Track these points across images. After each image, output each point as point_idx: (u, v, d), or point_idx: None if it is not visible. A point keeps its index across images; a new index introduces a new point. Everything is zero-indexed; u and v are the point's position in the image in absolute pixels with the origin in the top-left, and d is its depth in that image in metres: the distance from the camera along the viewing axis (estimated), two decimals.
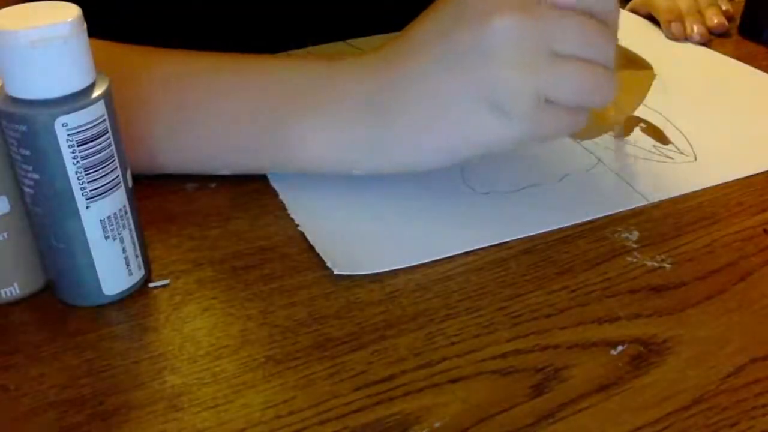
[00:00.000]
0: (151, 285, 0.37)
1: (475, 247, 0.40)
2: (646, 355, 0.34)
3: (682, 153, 0.49)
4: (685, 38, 0.66)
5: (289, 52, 0.59)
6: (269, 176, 0.45)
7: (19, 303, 0.36)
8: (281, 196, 0.44)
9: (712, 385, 0.32)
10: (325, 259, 0.39)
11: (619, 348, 0.34)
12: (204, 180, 0.45)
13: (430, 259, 0.39)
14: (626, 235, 0.41)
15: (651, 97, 0.49)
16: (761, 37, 0.66)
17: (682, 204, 0.44)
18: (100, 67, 0.34)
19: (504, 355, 0.34)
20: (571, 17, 0.37)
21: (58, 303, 0.36)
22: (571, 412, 0.31)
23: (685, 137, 0.50)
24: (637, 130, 0.51)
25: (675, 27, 0.67)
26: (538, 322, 0.35)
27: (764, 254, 0.40)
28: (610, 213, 0.43)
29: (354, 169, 0.42)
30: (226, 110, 0.42)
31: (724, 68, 0.62)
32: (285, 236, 0.41)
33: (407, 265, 0.39)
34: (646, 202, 0.44)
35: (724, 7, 0.70)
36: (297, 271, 0.38)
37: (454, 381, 0.32)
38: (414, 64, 0.39)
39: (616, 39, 0.39)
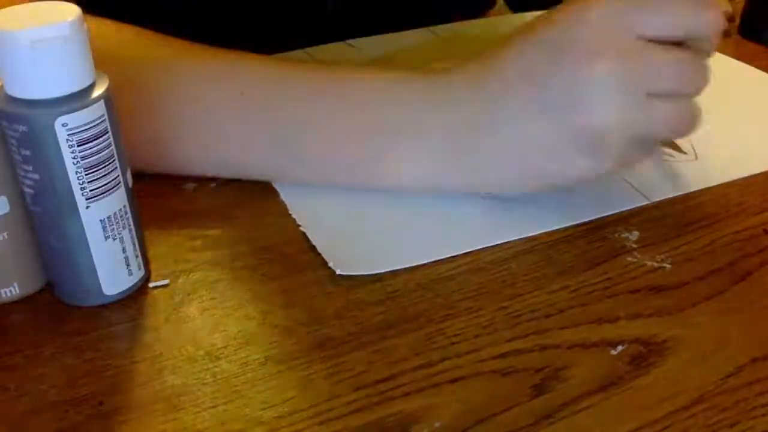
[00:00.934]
0: (151, 285, 0.37)
1: (476, 248, 0.40)
2: (646, 355, 0.34)
3: (683, 152, 0.49)
4: None
5: (288, 53, 0.59)
6: None
7: (18, 303, 0.36)
8: (282, 196, 0.43)
9: (712, 385, 0.32)
10: (327, 259, 0.39)
11: (619, 348, 0.34)
12: (204, 180, 0.45)
13: (432, 260, 0.39)
14: (626, 235, 0.41)
15: None
16: (761, 37, 0.66)
17: (682, 204, 0.44)
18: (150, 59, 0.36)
19: (504, 355, 0.34)
20: (666, 56, 0.37)
21: (58, 303, 0.36)
22: (571, 412, 0.31)
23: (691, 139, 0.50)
24: None
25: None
26: (538, 322, 0.35)
27: (764, 254, 0.40)
28: (611, 213, 0.43)
29: (438, 190, 0.43)
30: (319, 134, 0.42)
31: (724, 68, 0.61)
32: (285, 236, 0.41)
33: (409, 266, 0.39)
34: (647, 202, 0.44)
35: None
36: (297, 271, 0.38)
37: (454, 381, 0.32)
38: (504, 104, 0.39)
39: (709, 70, 0.39)
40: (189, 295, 0.37)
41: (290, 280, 0.38)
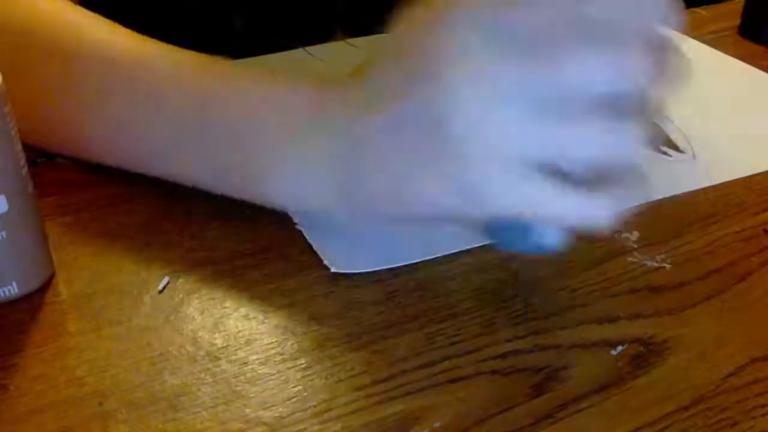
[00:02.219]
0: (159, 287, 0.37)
1: (473, 246, 0.40)
2: (646, 355, 0.34)
3: (681, 151, 0.49)
4: None
5: (287, 52, 0.59)
6: None
7: (18, 302, 0.36)
8: None
9: (712, 385, 0.32)
10: (323, 258, 0.39)
11: (619, 348, 0.34)
12: None
13: (429, 257, 0.39)
14: (626, 235, 0.41)
15: None
16: (761, 37, 0.66)
17: (682, 204, 0.44)
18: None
19: (504, 355, 0.34)
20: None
21: (58, 303, 0.36)
22: (571, 412, 0.31)
23: (684, 135, 0.50)
24: None
25: None
26: (538, 322, 0.35)
27: (764, 254, 0.40)
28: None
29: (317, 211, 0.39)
30: (203, 139, 0.40)
31: (724, 66, 0.62)
32: (285, 236, 0.41)
33: (405, 263, 0.39)
34: (644, 200, 0.44)
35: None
36: (297, 271, 0.38)
37: (454, 381, 0.32)
38: (374, 135, 0.35)
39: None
40: (189, 295, 0.37)
41: (290, 280, 0.38)
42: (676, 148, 0.49)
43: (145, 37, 0.43)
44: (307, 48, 0.60)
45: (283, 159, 0.38)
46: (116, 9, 0.45)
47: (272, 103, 0.39)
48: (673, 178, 0.46)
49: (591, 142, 0.30)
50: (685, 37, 0.33)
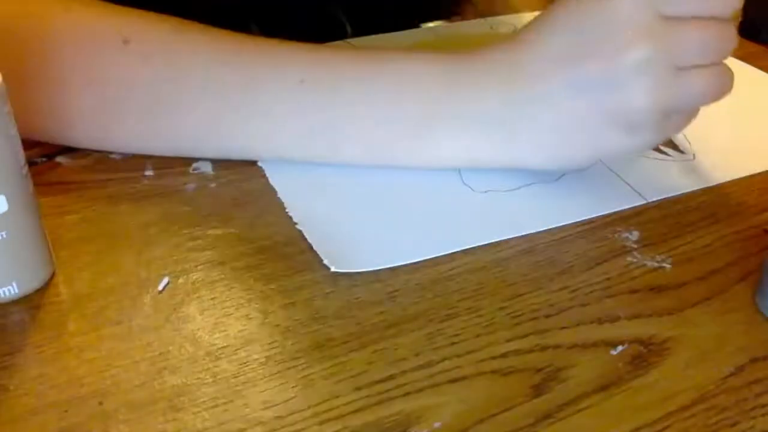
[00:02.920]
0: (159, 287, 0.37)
1: (473, 245, 0.40)
2: (646, 355, 0.34)
3: (681, 151, 0.49)
4: None
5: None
6: (268, 174, 0.45)
7: (18, 302, 0.36)
8: (280, 194, 0.44)
9: (712, 385, 0.32)
10: (323, 257, 0.39)
11: (619, 348, 0.34)
12: (204, 180, 0.45)
13: (429, 257, 0.39)
14: (626, 235, 0.41)
15: None
16: (761, 37, 0.66)
17: (682, 204, 0.44)
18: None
19: (504, 355, 0.34)
20: (692, 30, 0.39)
21: (58, 303, 0.36)
22: (571, 412, 0.31)
23: (684, 135, 0.50)
24: None
25: None
26: (538, 322, 0.35)
27: (764, 254, 0.40)
28: (608, 212, 0.43)
29: (476, 166, 0.44)
30: (362, 112, 0.43)
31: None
32: (285, 236, 0.41)
33: (406, 263, 0.39)
34: (644, 202, 0.44)
35: None
36: (297, 271, 0.38)
37: (454, 381, 0.32)
38: (543, 86, 0.41)
39: (735, 35, 0.41)
40: (189, 295, 0.37)
41: (290, 280, 0.38)
42: (675, 148, 0.49)
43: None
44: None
45: (448, 116, 0.43)
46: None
47: (430, 66, 0.43)
48: (672, 178, 0.46)
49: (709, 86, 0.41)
50: None
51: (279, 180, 0.45)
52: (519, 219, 0.42)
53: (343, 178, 0.44)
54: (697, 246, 0.40)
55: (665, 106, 0.40)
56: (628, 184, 0.45)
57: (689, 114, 0.43)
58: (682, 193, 0.45)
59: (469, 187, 0.45)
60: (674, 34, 0.39)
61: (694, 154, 0.49)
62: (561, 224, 0.42)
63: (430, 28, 0.65)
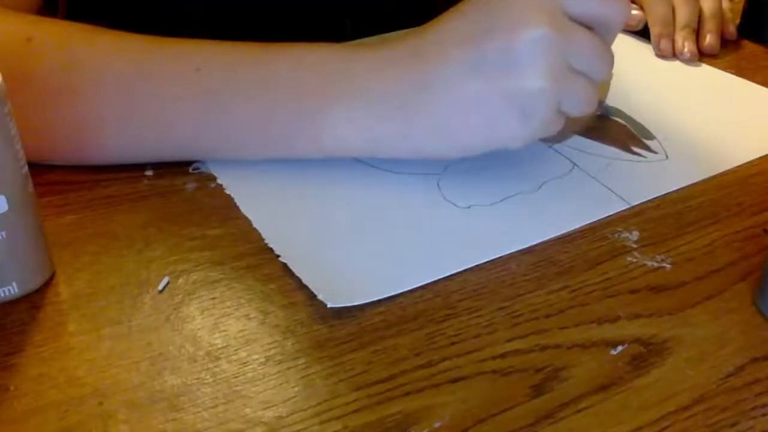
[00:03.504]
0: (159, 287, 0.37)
1: (471, 265, 0.39)
2: (646, 355, 0.34)
3: (653, 152, 0.49)
4: (673, 55, 0.63)
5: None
6: (225, 187, 0.44)
7: (18, 302, 0.36)
8: (255, 225, 0.41)
9: (712, 385, 0.32)
10: (316, 293, 0.36)
11: (619, 348, 0.34)
12: (204, 180, 0.45)
13: (429, 281, 0.38)
14: (626, 235, 0.41)
15: (614, 98, 0.52)
16: (761, 37, 0.66)
17: (682, 204, 0.44)
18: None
19: (504, 355, 0.34)
20: (586, 35, 0.41)
21: (58, 302, 0.36)
22: (571, 412, 0.31)
23: (655, 136, 0.50)
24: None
25: (664, 44, 0.63)
26: (538, 322, 0.35)
27: (764, 254, 0.40)
28: (593, 221, 0.42)
29: (377, 154, 0.44)
30: (258, 96, 0.43)
31: (687, 70, 0.61)
32: None
33: (405, 290, 0.37)
34: (627, 206, 0.43)
35: (728, 16, 0.67)
36: None
37: (454, 381, 0.32)
38: (443, 66, 0.41)
39: (612, 63, 0.42)
40: (189, 295, 0.37)
41: (290, 280, 0.38)
42: (647, 148, 0.48)
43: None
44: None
45: (344, 96, 0.42)
46: (126, 23, 0.45)
47: (330, 53, 0.43)
48: (649, 179, 0.46)
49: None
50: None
51: (253, 211, 0.42)
52: (506, 235, 0.41)
53: (313, 192, 0.43)
54: (697, 246, 0.40)
55: (556, 98, 0.40)
56: (610, 190, 0.45)
57: (565, 120, 0.43)
58: (677, 194, 0.44)
59: (451, 203, 0.43)
60: (572, 32, 0.40)
61: (665, 154, 0.48)
62: (552, 236, 0.41)
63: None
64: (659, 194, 0.45)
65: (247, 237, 0.41)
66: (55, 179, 0.44)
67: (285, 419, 0.31)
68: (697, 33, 0.64)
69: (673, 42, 0.63)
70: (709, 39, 0.63)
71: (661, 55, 0.63)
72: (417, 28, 0.43)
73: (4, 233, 0.35)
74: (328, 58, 0.43)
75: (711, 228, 0.42)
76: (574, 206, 0.43)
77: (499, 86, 0.40)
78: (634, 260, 0.39)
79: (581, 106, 0.42)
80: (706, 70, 0.61)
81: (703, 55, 0.63)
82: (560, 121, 0.42)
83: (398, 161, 0.45)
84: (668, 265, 0.39)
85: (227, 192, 0.44)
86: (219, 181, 0.45)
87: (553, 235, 0.41)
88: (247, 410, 0.31)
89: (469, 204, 0.43)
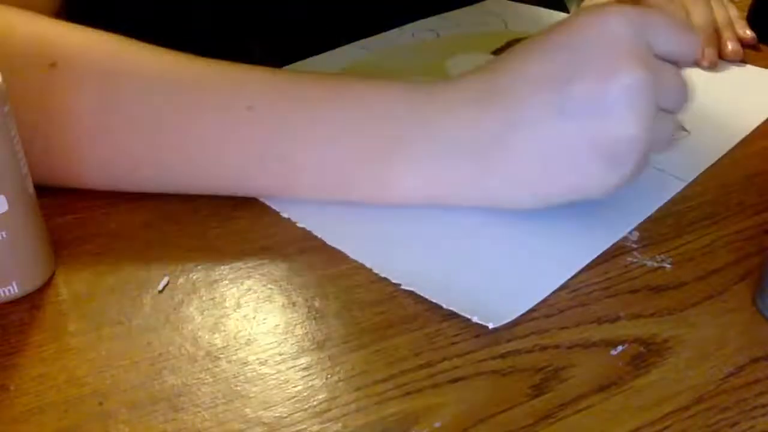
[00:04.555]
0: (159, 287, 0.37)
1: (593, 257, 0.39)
2: (646, 355, 0.34)
3: (685, 130, 0.49)
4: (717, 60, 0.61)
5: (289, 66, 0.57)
6: (317, 234, 0.41)
7: (18, 302, 0.36)
8: (352, 256, 0.39)
9: (712, 385, 0.32)
10: (470, 316, 0.35)
11: (619, 348, 0.34)
12: None
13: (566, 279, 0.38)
14: (626, 235, 0.41)
15: None
16: (765, 38, 0.66)
17: (682, 204, 0.44)
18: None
19: (504, 355, 0.34)
20: (673, 73, 0.39)
21: (58, 303, 0.36)
22: (571, 412, 0.31)
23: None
24: None
25: (709, 54, 0.60)
26: (538, 322, 0.35)
27: (764, 254, 0.40)
28: (662, 203, 0.43)
29: (446, 203, 0.41)
30: (318, 139, 0.40)
31: None
32: (285, 236, 0.41)
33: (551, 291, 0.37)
34: (684, 183, 0.45)
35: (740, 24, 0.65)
36: (297, 271, 0.38)
37: (454, 381, 0.32)
38: (523, 108, 0.38)
39: (691, 93, 0.40)
40: (189, 295, 0.37)
41: (290, 280, 0.38)
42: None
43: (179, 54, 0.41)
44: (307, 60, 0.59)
45: (414, 142, 0.39)
46: (126, 29, 0.44)
47: (396, 93, 0.40)
48: (691, 154, 0.47)
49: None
50: None
51: (323, 231, 0.40)
52: (611, 221, 0.41)
53: (402, 228, 0.41)
54: (697, 246, 0.40)
55: (649, 141, 0.37)
56: (662, 170, 0.45)
57: (649, 161, 0.39)
58: (680, 194, 0.45)
59: None
60: (662, 72, 0.38)
61: (687, 130, 0.49)
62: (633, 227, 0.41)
63: (431, 27, 0.65)
64: (706, 167, 0.46)
65: (248, 237, 0.41)
66: None
67: (285, 419, 0.31)
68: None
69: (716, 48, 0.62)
70: (732, 46, 0.62)
71: (708, 66, 0.61)
72: (485, 65, 0.40)
73: (4, 233, 0.35)
74: (394, 99, 0.40)
75: (711, 228, 0.42)
76: (633, 192, 0.42)
77: (588, 132, 0.37)
78: (634, 260, 0.39)
79: (667, 145, 0.40)
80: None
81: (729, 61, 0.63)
82: (647, 164, 0.39)
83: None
84: (668, 265, 0.39)
85: (300, 226, 0.41)
86: (285, 215, 0.42)
87: (634, 225, 0.42)
88: (247, 410, 0.31)
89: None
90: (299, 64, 0.59)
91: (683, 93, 0.39)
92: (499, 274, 0.38)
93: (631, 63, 0.36)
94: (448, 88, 0.40)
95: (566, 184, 0.38)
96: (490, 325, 0.34)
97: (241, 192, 0.42)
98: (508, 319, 0.35)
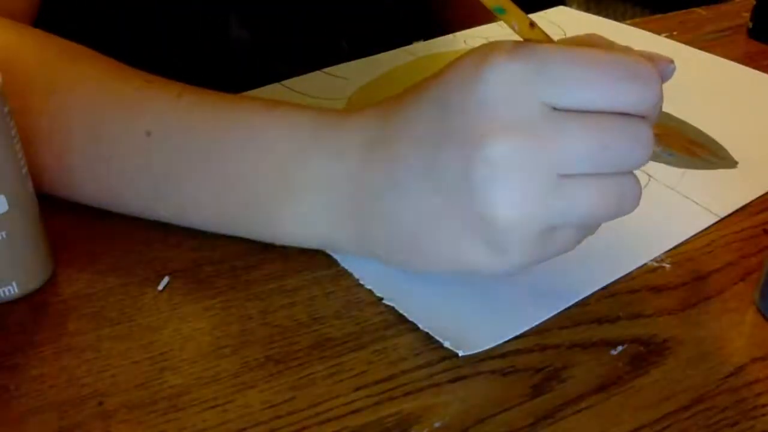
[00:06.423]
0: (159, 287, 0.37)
1: (593, 291, 0.37)
2: (646, 355, 0.34)
3: (721, 158, 0.47)
4: None
5: (263, 87, 0.55)
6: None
7: (18, 302, 0.36)
8: (361, 281, 0.38)
9: (712, 385, 0.32)
10: (442, 340, 0.34)
11: (619, 348, 0.34)
12: None
13: (543, 319, 0.35)
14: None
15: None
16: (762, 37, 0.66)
17: None
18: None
19: (504, 355, 0.34)
20: (585, 129, 0.30)
21: (58, 303, 0.36)
22: (571, 412, 0.31)
23: (718, 141, 0.48)
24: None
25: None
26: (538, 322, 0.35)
27: (764, 254, 0.40)
28: (691, 236, 0.40)
29: (336, 252, 0.39)
30: (206, 180, 0.38)
31: (722, 70, 0.61)
32: None
33: (529, 327, 0.35)
34: (717, 218, 0.42)
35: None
36: (297, 271, 0.38)
37: (454, 381, 0.32)
38: (399, 172, 0.33)
39: (651, 140, 0.31)
40: (189, 295, 0.37)
41: (290, 280, 0.38)
42: (714, 153, 0.47)
43: (136, 71, 0.40)
44: (285, 82, 0.57)
45: (297, 191, 0.36)
46: (118, 27, 0.44)
47: (289, 133, 0.37)
48: (729, 187, 0.44)
49: (600, 203, 0.31)
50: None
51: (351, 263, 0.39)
52: (615, 256, 0.39)
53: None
54: (697, 246, 0.40)
55: (542, 224, 0.31)
56: (695, 202, 0.42)
57: (584, 229, 0.33)
58: (748, 202, 0.43)
59: None
60: (560, 131, 0.30)
61: (733, 159, 0.47)
62: (654, 256, 0.39)
63: (407, 48, 0.64)
64: (746, 202, 0.43)
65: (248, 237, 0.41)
66: None
67: (285, 419, 0.31)
68: None
69: None
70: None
71: None
72: (386, 101, 0.36)
73: (4, 233, 0.35)
74: (285, 139, 0.37)
75: (711, 228, 0.42)
76: (664, 222, 0.41)
77: (457, 210, 0.32)
78: None
79: (596, 215, 0.31)
80: (703, 58, 0.61)
81: None
82: (572, 239, 0.33)
83: None
84: (668, 265, 0.39)
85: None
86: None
87: (654, 256, 0.39)
88: (247, 410, 0.31)
89: None
90: (342, 66, 0.57)
91: (612, 148, 0.30)
92: (486, 301, 0.36)
93: (501, 130, 0.30)
94: (340, 129, 0.36)
95: (448, 257, 0.34)
96: (460, 353, 0.33)
97: (154, 217, 0.40)
98: (480, 349, 0.33)
